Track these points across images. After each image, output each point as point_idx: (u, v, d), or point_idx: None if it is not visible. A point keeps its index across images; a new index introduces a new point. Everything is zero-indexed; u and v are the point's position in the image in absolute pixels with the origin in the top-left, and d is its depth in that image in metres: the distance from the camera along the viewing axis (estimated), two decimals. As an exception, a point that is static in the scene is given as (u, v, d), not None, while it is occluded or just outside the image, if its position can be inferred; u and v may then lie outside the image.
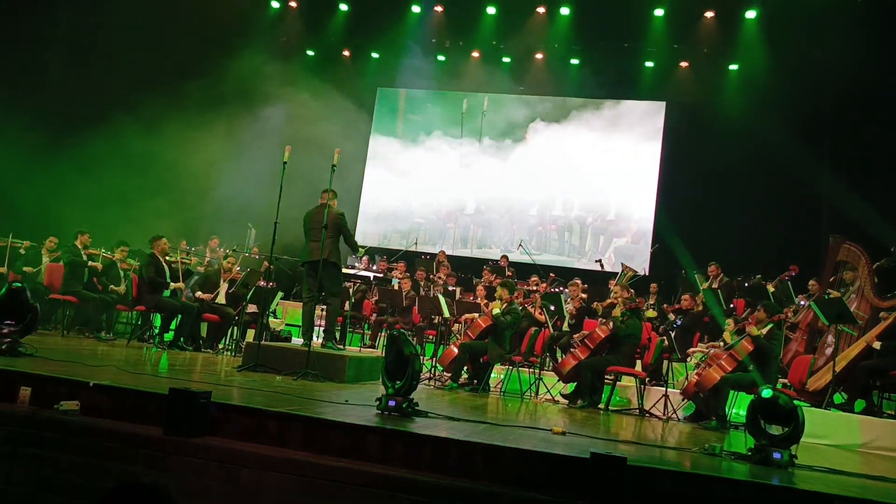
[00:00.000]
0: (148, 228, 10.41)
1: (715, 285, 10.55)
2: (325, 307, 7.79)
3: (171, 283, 9.05)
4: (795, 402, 4.92)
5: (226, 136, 13.72)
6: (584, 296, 10.03)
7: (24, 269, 9.81)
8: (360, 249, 9.11)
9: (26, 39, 12.18)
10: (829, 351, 7.68)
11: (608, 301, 9.27)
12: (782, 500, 3.79)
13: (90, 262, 9.41)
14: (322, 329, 7.67)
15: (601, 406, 7.85)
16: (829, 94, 12.85)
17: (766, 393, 4.92)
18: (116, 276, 9.71)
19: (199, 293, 9.47)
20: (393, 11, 14.82)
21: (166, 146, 12.21)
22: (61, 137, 11.68)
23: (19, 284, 6.00)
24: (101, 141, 11.45)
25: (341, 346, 7.77)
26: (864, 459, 6.03)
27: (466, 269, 13.39)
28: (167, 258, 9.23)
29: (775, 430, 4.77)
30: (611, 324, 7.97)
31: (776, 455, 4.58)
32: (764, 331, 7.05)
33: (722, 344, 7.52)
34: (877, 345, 7.16)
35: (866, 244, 8.02)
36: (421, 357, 7.51)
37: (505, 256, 13.25)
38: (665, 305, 10.56)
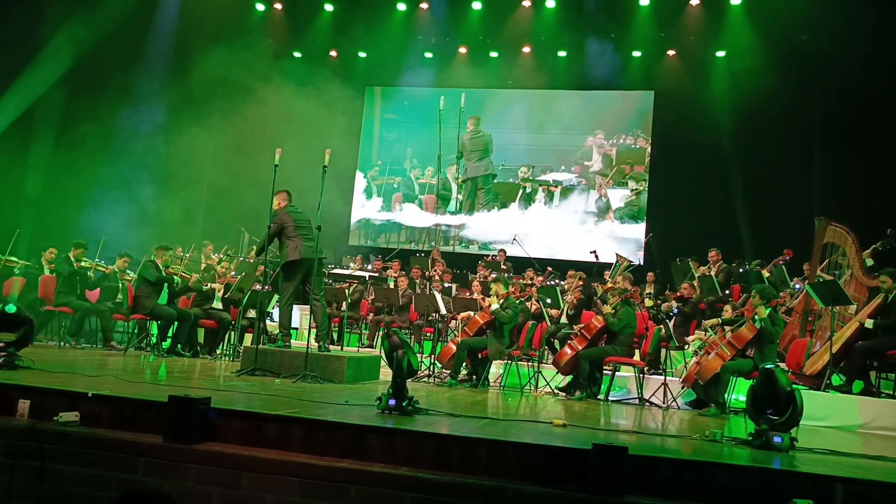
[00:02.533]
0: (140, 236, 10.39)
1: (713, 271, 10.58)
2: (314, 307, 7.69)
3: (178, 280, 9.06)
4: (794, 385, 4.93)
5: (216, 141, 13.71)
6: (580, 283, 10.03)
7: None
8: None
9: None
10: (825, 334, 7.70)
11: (608, 285, 9.28)
12: (784, 484, 3.79)
13: (86, 266, 9.37)
14: (317, 331, 7.59)
15: (600, 396, 7.87)
16: (818, 77, 12.89)
17: (769, 365, 4.96)
18: (115, 283, 9.69)
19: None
20: (378, 10, 14.81)
21: (152, 156, 12.19)
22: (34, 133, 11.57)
23: (13, 308, 5.93)
24: (78, 149, 11.37)
25: (329, 347, 7.72)
26: (864, 440, 6.06)
27: (461, 265, 13.39)
28: (168, 270, 9.24)
29: (775, 415, 4.78)
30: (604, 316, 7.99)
31: (776, 439, 4.59)
32: (767, 314, 7.07)
33: (718, 325, 7.53)
34: (869, 323, 7.18)
35: (856, 225, 8.03)
36: (418, 355, 7.55)
37: (503, 251, 13.25)
38: (668, 293, 10.58)
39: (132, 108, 12.03)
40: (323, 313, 7.71)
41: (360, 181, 16.36)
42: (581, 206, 15.18)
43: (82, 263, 9.39)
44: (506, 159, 15.74)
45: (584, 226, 15.04)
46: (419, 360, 6.12)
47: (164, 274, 9.06)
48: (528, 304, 9.30)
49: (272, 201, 7.67)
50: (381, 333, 10.38)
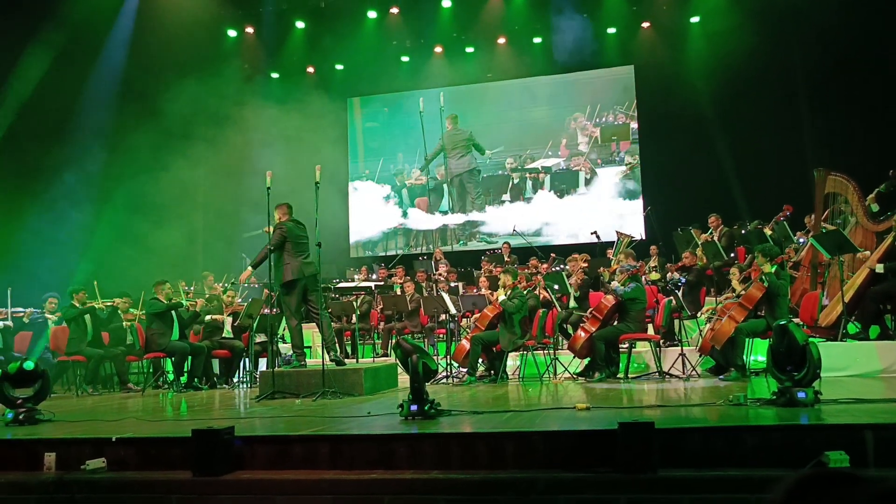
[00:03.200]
0: (134, 276, 10.38)
1: (716, 236, 10.58)
2: (321, 322, 7.69)
3: (186, 304, 9.11)
4: (810, 339, 4.92)
5: (205, 172, 13.69)
6: (585, 265, 10.04)
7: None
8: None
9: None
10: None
11: (614, 267, 9.28)
12: (814, 439, 3.79)
13: (96, 305, 9.39)
14: (325, 342, 7.61)
15: (620, 375, 7.86)
16: (794, 31, 12.87)
17: (783, 321, 4.96)
18: (121, 327, 9.69)
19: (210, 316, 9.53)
20: (349, 20, 14.79)
21: (142, 197, 12.15)
22: (20, 187, 11.46)
23: (31, 365, 5.92)
24: (66, 190, 11.31)
25: (343, 360, 7.76)
26: (888, 384, 6.06)
27: (465, 263, 13.40)
28: (171, 302, 9.25)
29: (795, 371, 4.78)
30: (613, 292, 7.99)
31: (801, 395, 4.58)
32: (773, 270, 7.07)
33: (733, 294, 7.53)
34: (879, 267, 7.17)
35: (851, 170, 8.02)
36: (434, 357, 7.56)
37: (507, 244, 13.27)
38: (668, 265, 10.58)
39: (111, 152, 11.96)
40: (328, 325, 7.70)
41: (378, 192, 16.37)
42: (572, 189, 15.18)
43: (90, 303, 9.40)
44: (492, 152, 15.75)
45: (583, 207, 15.03)
46: (436, 361, 6.12)
47: (170, 302, 9.07)
48: (535, 291, 9.31)
49: (273, 217, 7.68)
50: (393, 342, 10.38)
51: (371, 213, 16.25)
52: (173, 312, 9.08)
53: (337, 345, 7.83)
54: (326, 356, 7.32)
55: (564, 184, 15.23)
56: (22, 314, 9.79)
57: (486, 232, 15.41)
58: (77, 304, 9.25)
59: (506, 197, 15.54)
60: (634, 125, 14.96)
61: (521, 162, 15.53)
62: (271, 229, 7.60)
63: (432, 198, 15.95)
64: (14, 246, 11.03)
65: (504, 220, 15.18)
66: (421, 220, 15.99)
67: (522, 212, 15.28)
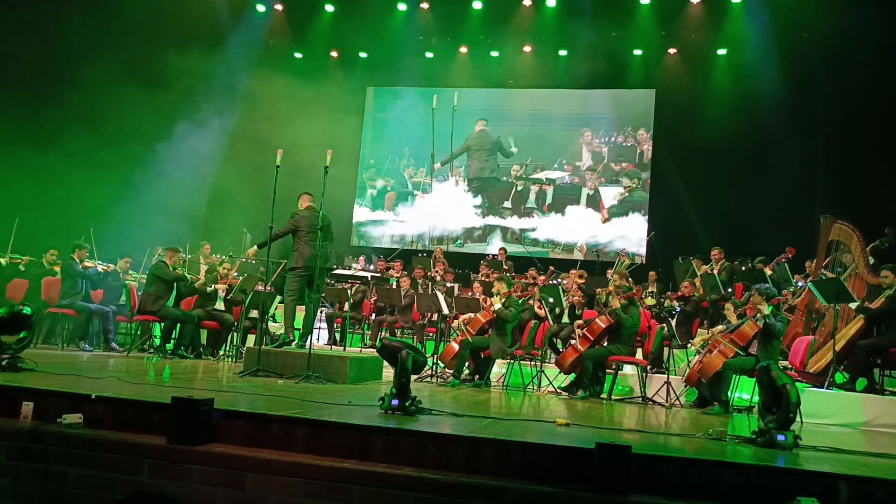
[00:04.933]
0: (138, 238, 10.36)
1: (716, 269, 10.57)
2: (308, 307, 7.84)
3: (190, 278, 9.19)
4: (798, 383, 4.91)
5: (216, 140, 13.67)
6: (581, 281, 10.03)
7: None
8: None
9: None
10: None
11: (610, 288, 9.27)
12: (788, 482, 3.78)
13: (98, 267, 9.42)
14: (305, 331, 7.71)
15: (604, 396, 7.86)
16: (820, 75, 12.87)
17: (763, 363, 4.97)
18: (118, 286, 9.70)
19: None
20: (379, 10, 14.79)
21: (149, 150, 12.11)
22: (28, 137, 11.34)
23: (28, 310, 5.93)
24: (77, 144, 11.20)
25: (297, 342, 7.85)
26: (868, 437, 6.05)
27: (463, 264, 13.39)
28: (176, 272, 9.26)
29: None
30: (609, 314, 7.97)
31: (780, 437, 4.57)
32: (770, 311, 7.06)
33: (724, 328, 7.52)
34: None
35: (859, 223, 8.02)
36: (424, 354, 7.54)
37: (503, 249, 13.25)
38: (669, 293, 10.57)
39: (129, 115, 11.90)
40: (314, 312, 7.94)
41: (364, 180, 16.33)
42: (574, 204, 15.19)
43: (87, 264, 9.41)
44: (500, 158, 15.75)
45: (584, 224, 15.02)
46: (424, 355, 6.16)
47: (176, 273, 9.10)
48: (530, 302, 9.30)
49: (297, 204, 7.90)
50: (383, 334, 10.38)
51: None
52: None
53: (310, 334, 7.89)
54: (306, 339, 7.42)
55: (567, 198, 15.22)
56: (19, 261, 9.80)
57: (533, 237, 15.29)
58: (76, 259, 9.25)
59: (507, 204, 15.52)
60: (641, 149, 14.96)
61: (527, 171, 15.53)
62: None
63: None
64: (16, 198, 10.97)
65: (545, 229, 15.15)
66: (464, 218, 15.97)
67: (534, 222, 15.27)
